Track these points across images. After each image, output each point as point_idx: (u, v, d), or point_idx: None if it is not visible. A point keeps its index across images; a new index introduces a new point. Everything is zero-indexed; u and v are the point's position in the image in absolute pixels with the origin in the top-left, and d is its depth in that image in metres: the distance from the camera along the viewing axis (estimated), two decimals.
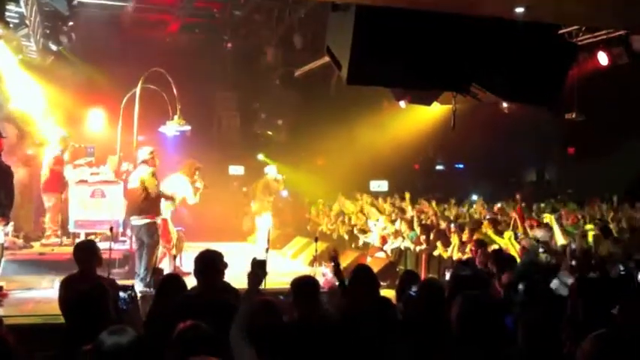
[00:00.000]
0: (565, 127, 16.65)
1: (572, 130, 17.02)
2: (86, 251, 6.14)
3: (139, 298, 6.25)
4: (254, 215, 15.27)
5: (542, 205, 14.29)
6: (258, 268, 5.01)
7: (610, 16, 7.29)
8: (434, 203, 15.02)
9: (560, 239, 9.61)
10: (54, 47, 13.18)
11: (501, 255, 7.88)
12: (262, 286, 6.30)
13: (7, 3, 9.54)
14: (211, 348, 3.41)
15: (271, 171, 15.31)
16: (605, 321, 4.02)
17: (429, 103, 10.72)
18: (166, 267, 10.78)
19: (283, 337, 3.43)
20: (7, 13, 9.65)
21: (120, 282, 7.41)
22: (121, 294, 5.00)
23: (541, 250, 9.05)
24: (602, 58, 11.66)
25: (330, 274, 11.20)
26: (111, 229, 9.83)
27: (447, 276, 7.27)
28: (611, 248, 8.94)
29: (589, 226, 10.43)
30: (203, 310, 4.47)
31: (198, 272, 5.51)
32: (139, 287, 8.84)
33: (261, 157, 20.10)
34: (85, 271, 5.99)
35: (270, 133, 20.62)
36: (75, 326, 4.39)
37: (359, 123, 19.14)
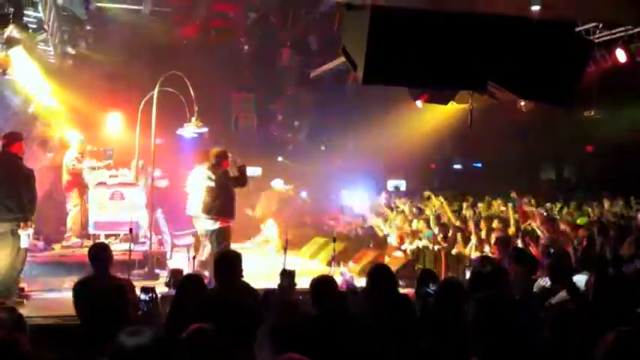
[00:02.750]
0: (583, 125, 16.58)
1: (590, 128, 16.94)
2: (100, 253, 6.23)
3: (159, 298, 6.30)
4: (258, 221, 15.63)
5: (559, 204, 14.17)
6: (287, 279, 5.05)
7: (628, 11, 7.25)
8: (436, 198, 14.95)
9: None
10: (72, 52, 13.29)
11: (522, 254, 7.84)
12: None
13: (26, 8, 9.62)
14: (218, 351, 3.43)
15: (278, 185, 15.56)
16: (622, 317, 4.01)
17: (445, 102, 10.71)
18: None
19: (304, 335, 3.45)
20: (25, 19, 9.74)
21: (140, 283, 7.49)
22: (142, 296, 5.05)
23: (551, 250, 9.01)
24: (621, 55, 11.57)
25: (348, 274, 11.22)
26: (130, 231, 9.90)
27: (468, 275, 7.25)
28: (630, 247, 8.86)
29: None
30: (222, 311, 4.51)
31: (216, 273, 5.55)
32: None
33: (280, 159, 20.20)
34: (100, 273, 6.07)
35: (289, 135, 20.66)
36: (92, 327, 4.44)
37: (375, 123, 19.11)
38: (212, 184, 9.91)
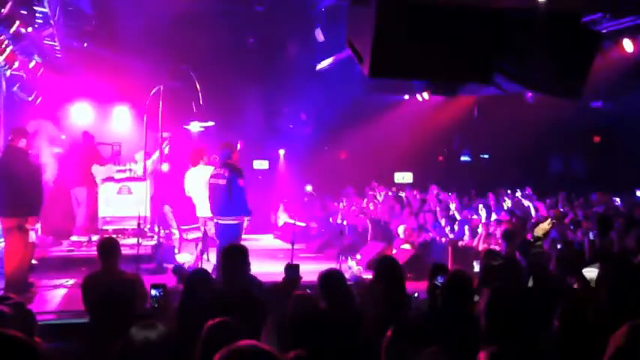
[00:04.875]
0: (591, 116, 16.52)
1: (597, 119, 16.89)
2: (108, 248, 6.27)
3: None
4: None
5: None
6: (292, 272, 5.08)
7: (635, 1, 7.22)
8: None
9: None
10: (78, 47, 13.31)
11: (529, 246, 7.84)
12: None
13: (32, 3, 9.63)
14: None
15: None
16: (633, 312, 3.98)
17: (452, 94, 10.68)
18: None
19: (317, 328, 3.46)
20: (32, 13, 9.75)
21: (148, 278, 7.50)
22: (153, 292, 5.06)
23: (558, 245, 8.99)
24: (628, 46, 11.53)
25: (355, 267, 11.25)
26: (138, 225, 9.91)
27: (476, 267, 7.25)
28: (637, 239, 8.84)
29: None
30: (231, 304, 4.52)
31: (223, 267, 5.57)
32: None
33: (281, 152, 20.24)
34: (108, 268, 6.12)
35: (290, 126, 20.62)
36: (101, 322, 4.46)
37: (382, 115, 19.11)
38: (224, 182, 9.57)
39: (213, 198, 9.73)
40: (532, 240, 9.21)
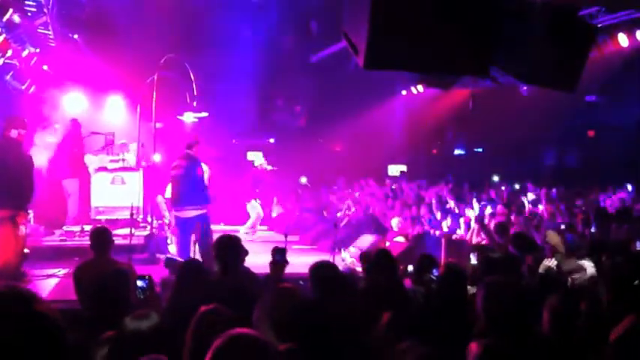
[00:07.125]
0: (585, 110, 16.54)
1: (592, 113, 16.92)
2: (101, 238, 6.26)
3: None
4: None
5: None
6: (279, 256, 5.09)
7: None
8: None
9: None
10: (72, 35, 13.24)
11: (523, 238, 7.83)
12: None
13: None
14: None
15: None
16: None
17: (447, 87, 10.64)
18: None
19: (303, 321, 3.44)
20: (25, 2, 9.69)
21: (141, 268, 7.47)
22: (139, 283, 5.03)
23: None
24: (623, 40, 11.54)
25: (349, 259, 11.23)
26: (131, 215, 9.88)
27: (472, 259, 7.23)
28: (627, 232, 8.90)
29: None
30: (224, 296, 4.50)
31: (217, 258, 5.54)
32: None
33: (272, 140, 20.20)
34: (100, 257, 6.11)
35: (285, 118, 20.59)
36: (93, 312, 4.44)
37: (377, 107, 19.07)
38: (182, 171, 9.67)
39: (172, 189, 9.86)
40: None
